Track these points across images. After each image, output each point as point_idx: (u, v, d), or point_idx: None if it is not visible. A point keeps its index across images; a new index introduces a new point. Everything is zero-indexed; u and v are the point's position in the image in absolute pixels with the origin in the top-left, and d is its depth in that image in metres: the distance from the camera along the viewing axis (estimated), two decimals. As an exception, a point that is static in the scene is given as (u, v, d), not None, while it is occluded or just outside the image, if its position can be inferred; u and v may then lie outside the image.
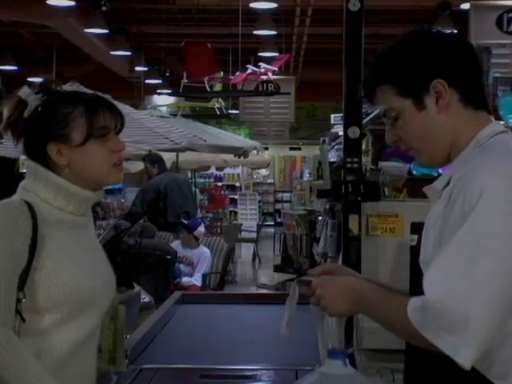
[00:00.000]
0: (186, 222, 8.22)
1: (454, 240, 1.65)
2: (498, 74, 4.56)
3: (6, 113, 2.04)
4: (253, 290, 10.70)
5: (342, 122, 3.85)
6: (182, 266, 7.82)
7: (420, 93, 1.80)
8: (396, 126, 1.84)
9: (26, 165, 2.04)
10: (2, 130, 2.04)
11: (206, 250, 8.09)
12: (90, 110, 2.01)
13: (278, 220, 21.41)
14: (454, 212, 1.67)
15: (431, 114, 1.80)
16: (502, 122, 4.48)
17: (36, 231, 1.89)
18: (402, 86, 1.81)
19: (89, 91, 2.11)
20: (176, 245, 7.88)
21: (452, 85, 1.79)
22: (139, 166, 11.57)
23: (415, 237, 1.93)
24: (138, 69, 16.64)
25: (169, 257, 7.26)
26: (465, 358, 1.60)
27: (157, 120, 9.84)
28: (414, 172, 4.88)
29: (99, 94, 2.12)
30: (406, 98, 1.81)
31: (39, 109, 2.01)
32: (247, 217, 20.30)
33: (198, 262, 7.92)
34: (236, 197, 21.33)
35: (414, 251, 1.84)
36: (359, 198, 3.57)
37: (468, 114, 1.81)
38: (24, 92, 2.02)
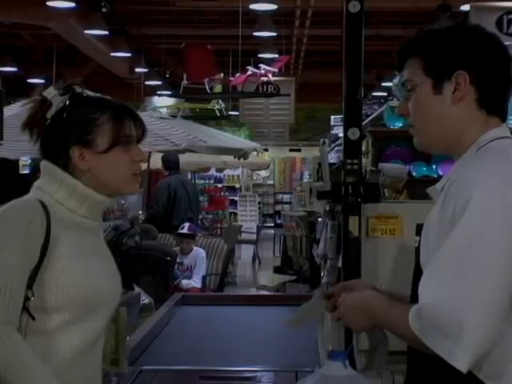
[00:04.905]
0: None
1: (445, 244, 1.66)
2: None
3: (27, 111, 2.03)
4: (252, 291, 10.69)
5: (341, 123, 3.85)
6: (179, 272, 7.79)
7: (442, 77, 1.81)
8: (409, 99, 1.87)
9: (41, 165, 2.03)
10: (21, 128, 2.03)
11: (201, 251, 8.04)
12: (117, 117, 2.02)
13: (278, 221, 21.44)
14: (446, 215, 1.68)
15: (444, 101, 1.81)
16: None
17: (49, 231, 1.90)
18: (428, 64, 1.83)
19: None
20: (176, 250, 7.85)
21: (474, 82, 1.79)
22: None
23: (418, 238, 1.94)
24: (137, 70, 16.64)
25: (169, 258, 7.25)
26: (461, 362, 1.61)
27: (157, 121, 9.84)
28: (414, 173, 4.88)
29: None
30: (428, 77, 1.83)
31: (65, 111, 2.01)
32: (247, 218, 20.30)
33: (194, 264, 7.89)
34: (236, 198, 21.33)
35: (417, 253, 1.86)
36: (359, 200, 3.57)
37: (479, 116, 1.81)
38: (49, 92, 2.02)
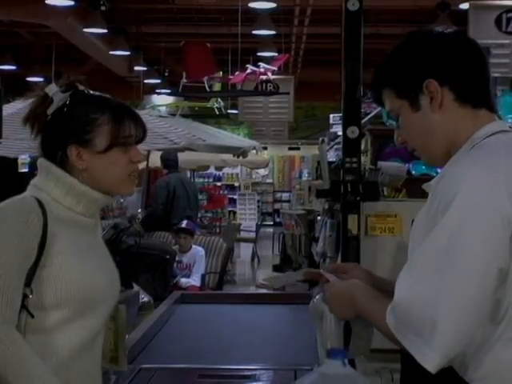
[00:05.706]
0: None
1: (425, 241, 1.65)
2: (497, 74, 4.55)
3: (29, 105, 2.03)
4: (252, 289, 10.69)
5: (340, 121, 3.85)
6: (178, 271, 7.79)
7: (414, 94, 1.82)
8: (399, 127, 1.88)
9: (38, 162, 2.03)
10: (22, 122, 2.03)
11: (200, 249, 8.03)
12: (117, 118, 2.01)
13: (277, 220, 21.42)
14: (431, 212, 1.68)
15: (426, 114, 1.81)
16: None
17: (46, 228, 1.89)
18: (398, 88, 1.85)
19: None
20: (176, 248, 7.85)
21: (444, 84, 1.79)
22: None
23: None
24: (137, 68, 16.65)
25: (168, 257, 7.24)
26: (429, 362, 1.60)
27: (156, 120, 9.84)
28: (413, 172, 4.87)
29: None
30: (403, 100, 1.84)
31: (64, 109, 2.00)
32: (246, 216, 20.29)
33: (193, 263, 7.89)
34: (235, 196, 21.32)
35: None
36: (358, 198, 3.57)
37: (465, 113, 1.80)
38: (51, 89, 2.01)
